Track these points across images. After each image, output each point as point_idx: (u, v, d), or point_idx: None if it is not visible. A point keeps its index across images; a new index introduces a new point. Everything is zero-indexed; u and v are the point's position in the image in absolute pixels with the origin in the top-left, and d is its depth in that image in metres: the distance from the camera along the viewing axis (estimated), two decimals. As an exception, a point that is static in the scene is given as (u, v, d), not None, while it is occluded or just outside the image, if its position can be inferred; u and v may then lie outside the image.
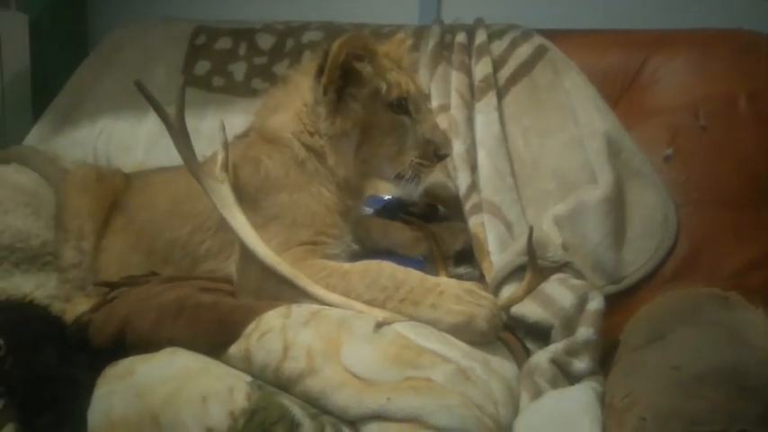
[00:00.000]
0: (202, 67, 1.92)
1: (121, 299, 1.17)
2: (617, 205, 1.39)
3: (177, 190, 1.39)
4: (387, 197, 1.56)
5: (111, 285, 1.27)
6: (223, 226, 1.24)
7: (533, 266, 1.10)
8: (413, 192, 1.29)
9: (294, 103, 1.29)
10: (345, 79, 1.22)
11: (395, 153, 1.25)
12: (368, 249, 1.34)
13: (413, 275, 1.10)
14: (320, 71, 1.22)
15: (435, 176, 1.43)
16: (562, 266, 1.27)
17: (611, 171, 1.41)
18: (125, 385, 0.97)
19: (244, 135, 1.36)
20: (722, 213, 1.39)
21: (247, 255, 1.17)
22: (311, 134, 1.26)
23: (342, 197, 1.26)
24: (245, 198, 1.22)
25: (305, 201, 1.22)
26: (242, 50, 1.91)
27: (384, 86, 1.23)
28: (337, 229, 1.24)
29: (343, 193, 1.27)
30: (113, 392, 0.97)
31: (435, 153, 1.26)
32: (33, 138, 1.94)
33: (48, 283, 1.44)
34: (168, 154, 1.39)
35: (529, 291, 1.11)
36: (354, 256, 1.25)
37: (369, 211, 1.50)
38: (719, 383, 0.88)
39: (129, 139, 1.88)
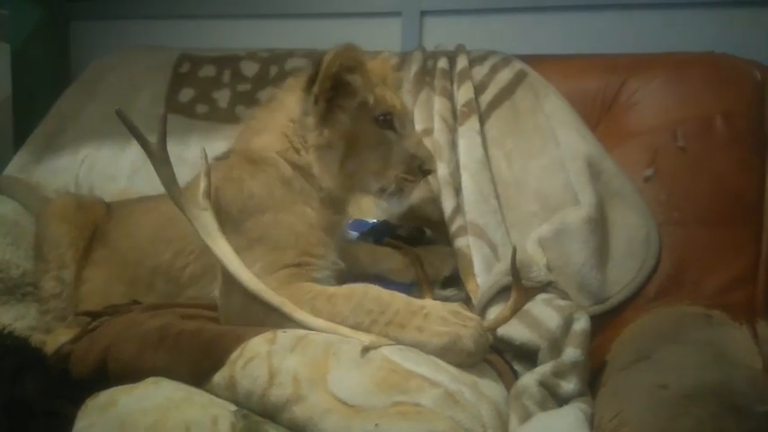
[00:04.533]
0: (186, 94, 1.93)
1: (103, 329, 1.15)
2: (600, 226, 1.41)
3: (159, 215, 1.38)
4: (372, 221, 1.56)
5: (93, 315, 1.25)
6: (206, 250, 1.23)
7: (518, 286, 1.10)
8: (397, 206, 1.29)
9: (279, 121, 1.29)
10: (335, 90, 1.22)
11: (380, 168, 1.26)
12: (356, 274, 1.33)
13: (398, 298, 1.09)
14: (311, 82, 1.22)
15: (423, 192, 1.43)
16: (546, 286, 1.27)
17: (592, 192, 1.43)
18: (107, 417, 0.95)
19: (224, 157, 1.35)
20: (703, 231, 1.41)
21: (231, 281, 1.15)
22: (297, 151, 1.26)
23: (326, 213, 1.26)
24: (229, 220, 1.21)
25: (289, 221, 1.21)
26: (226, 78, 1.92)
27: (372, 99, 1.24)
28: (322, 246, 1.23)
29: (327, 208, 1.26)
30: (95, 425, 0.95)
31: (420, 168, 1.27)
32: (15, 167, 1.92)
33: (28, 315, 1.42)
34: (152, 182, 1.38)
35: (514, 311, 1.10)
36: (341, 276, 1.24)
37: (355, 234, 1.50)
38: (707, 401, 0.88)
39: (112, 168, 1.88)
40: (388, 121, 1.26)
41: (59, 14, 2.40)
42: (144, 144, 1.17)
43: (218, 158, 1.36)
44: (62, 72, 2.39)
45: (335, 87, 1.22)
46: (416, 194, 1.33)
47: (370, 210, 1.53)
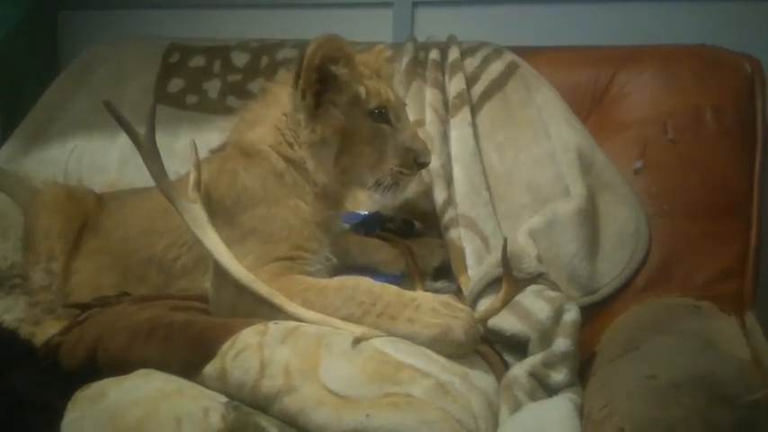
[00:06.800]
0: (176, 84, 1.91)
1: (92, 320, 1.15)
2: (590, 217, 1.41)
3: (152, 207, 1.37)
4: (364, 213, 1.56)
5: (82, 307, 1.24)
6: (198, 241, 1.23)
7: (509, 278, 1.10)
8: (393, 200, 1.28)
9: (272, 114, 1.28)
10: (323, 84, 1.20)
11: (375, 161, 1.24)
12: (347, 266, 1.33)
13: (389, 290, 1.10)
14: (297, 76, 1.20)
15: (417, 185, 1.43)
16: (537, 277, 1.27)
17: (583, 184, 1.43)
18: (97, 409, 0.94)
19: (219, 149, 1.35)
20: (692, 224, 1.42)
21: (222, 273, 1.15)
22: (290, 145, 1.25)
23: (320, 208, 1.25)
24: (222, 211, 1.21)
25: (282, 214, 1.21)
26: (216, 68, 1.91)
27: (364, 93, 1.22)
28: (315, 241, 1.23)
29: (322, 203, 1.25)
30: (84, 417, 0.94)
31: (415, 161, 1.25)
32: (2, 158, 1.91)
33: (16, 307, 1.41)
34: (141, 173, 1.37)
35: (505, 302, 1.11)
36: (333, 270, 1.24)
37: (346, 226, 1.49)
38: (696, 392, 0.89)
39: (101, 159, 1.86)
40: (383, 114, 1.24)
41: (47, 4, 2.36)
42: (132, 136, 1.16)
43: (214, 151, 1.35)
44: (50, 62, 2.36)
45: (323, 81, 1.20)
46: (411, 188, 1.32)
47: (363, 202, 1.53)
